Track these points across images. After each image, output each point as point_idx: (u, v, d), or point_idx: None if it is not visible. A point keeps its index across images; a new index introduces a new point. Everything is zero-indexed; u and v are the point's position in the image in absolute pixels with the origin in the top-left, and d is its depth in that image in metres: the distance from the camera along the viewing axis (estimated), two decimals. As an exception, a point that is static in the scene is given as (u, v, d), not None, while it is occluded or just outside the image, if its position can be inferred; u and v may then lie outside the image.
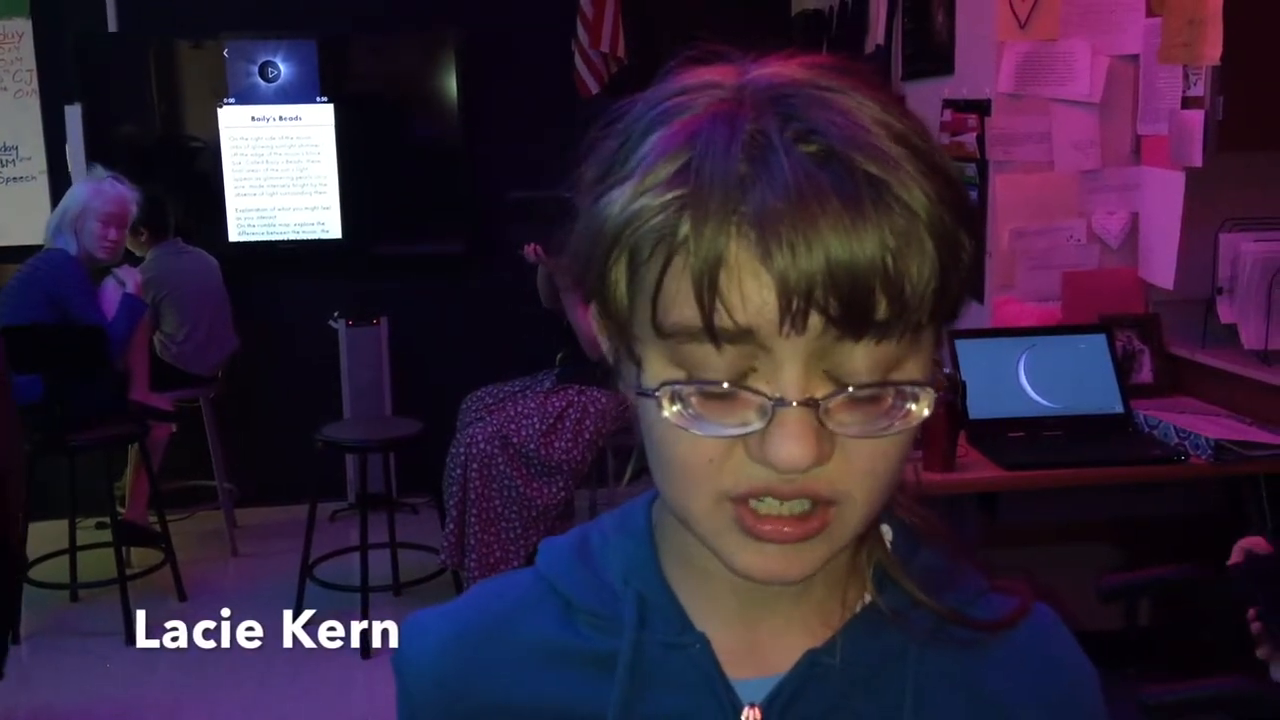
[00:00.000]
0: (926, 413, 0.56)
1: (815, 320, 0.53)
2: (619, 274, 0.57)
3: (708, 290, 0.53)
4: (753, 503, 0.57)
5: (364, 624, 3.70)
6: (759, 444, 0.55)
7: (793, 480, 0.55)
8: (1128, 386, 2.77)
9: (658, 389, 0.56)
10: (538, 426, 3.70)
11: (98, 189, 3.98)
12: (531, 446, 3.68)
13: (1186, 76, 2.77)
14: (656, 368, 0.57)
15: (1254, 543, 2.01)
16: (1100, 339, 2.76)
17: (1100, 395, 2.70)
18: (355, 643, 3.70)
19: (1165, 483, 2.54)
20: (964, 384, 2.48)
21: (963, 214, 0.55)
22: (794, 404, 0.54)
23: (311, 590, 3.92)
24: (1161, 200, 2.93)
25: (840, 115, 0.54)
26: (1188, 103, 2.77)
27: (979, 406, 2.60)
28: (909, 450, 0.59)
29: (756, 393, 0.54)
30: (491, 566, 3.64)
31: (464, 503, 3.67)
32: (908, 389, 0.56)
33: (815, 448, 0.54)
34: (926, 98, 3.52)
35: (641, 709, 0.64)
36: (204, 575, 4.35)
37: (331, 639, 3.82)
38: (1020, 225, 3.10)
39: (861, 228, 0.52)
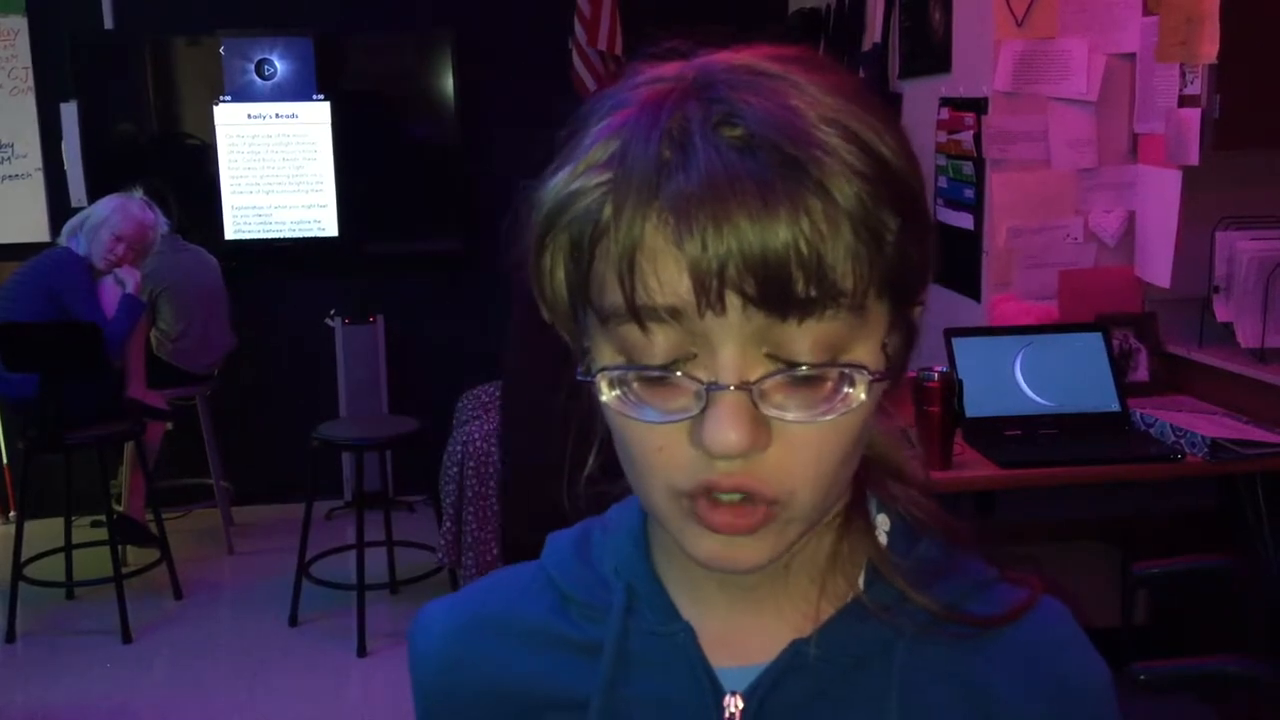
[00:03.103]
0: (864, 397, 0.56)
1: (735, 300, 0.53)
2: (556, 259, 0.59)
3: (627, 273, 0.54)
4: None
5: (360, 622, 3.71)
6: (698, 429, 0.56)
7: (731, 472, 0.56)
8: (1124, 385, 2.77)
9: (596, 374, 0.58)
10: (534, 424, 3.70)
11: (124, 206, 4.02)
12: (528, 445, 3.67)
13: (1183, 75, 2.77)
14: (602, 357, 0.58)
15: None
16: (1097, 337, 2.76)
17: (1097, 394, 2.70)
18: (352, 640, 3.72)
19: (1162, 481, 2.54)
20: (961, 382, 2.48)
21: (889, 195, 0.55)
22: (729, 388, 0.54)
23: (308, 589, 3.92)
24: (1158, 198, 2.93)
25: (766, 99, 0.55)
26: (1184, 101, 2.77)
27: (976, 405, 2.59)
28: (858, 442, 0.59)
29: (691, 378, 0.55)
30: (489, 564, 3.64)
31: (461, 501, 3.66)
32: (847, 371, 0.56)
33: (750, 432, 0.55)
34: (923, 96, 3.52)
35: (626, 692, 0.66)
36: (200, 573, 4.35)
37: (327, 637, 3.83)
38: (1017, 223, 3.10)
39: (774, 211, 0.53)
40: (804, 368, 0.55)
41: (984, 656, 0.65)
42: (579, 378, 0.60)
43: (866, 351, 0.57)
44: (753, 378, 0.55)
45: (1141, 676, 1.55)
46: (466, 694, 0.71)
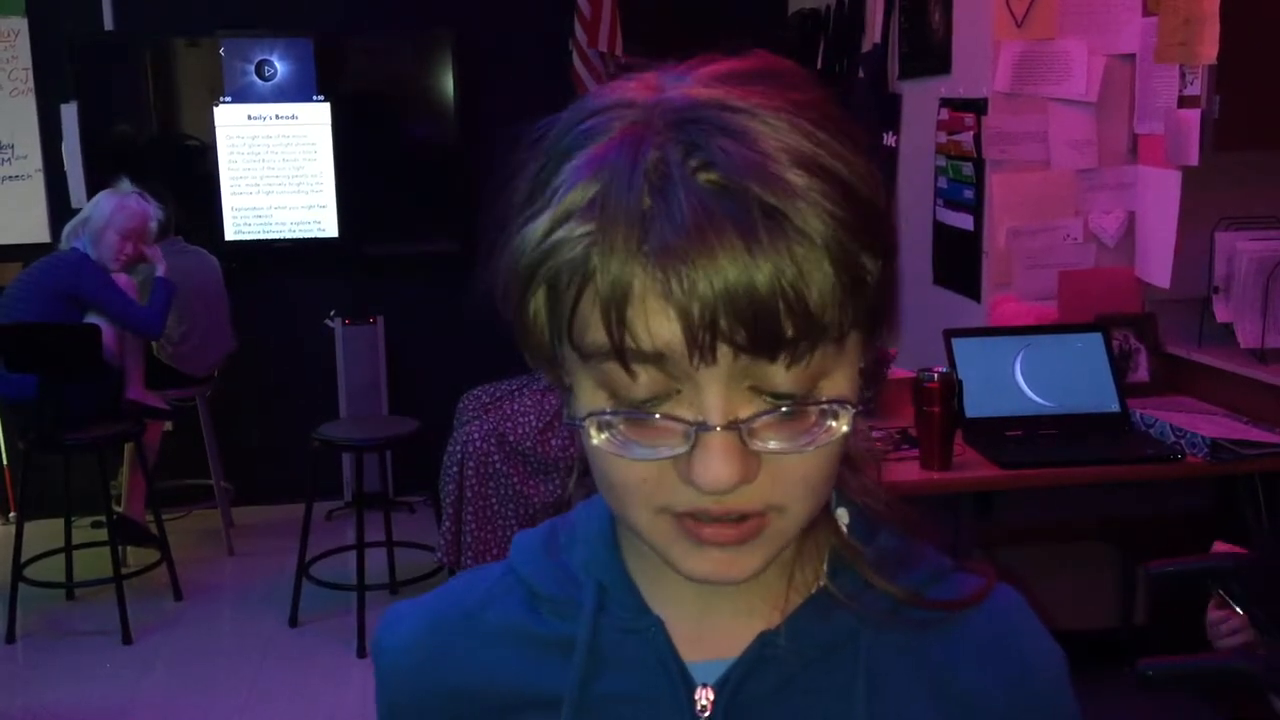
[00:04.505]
0: (846, 429, 0.58)
1: (726, 350, 0.54)
2: (538, 304, 0.59)
3: (616, 324, 0.55)
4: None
5: (360, 623, 3.71)
6: (686, 466, 0.57)
7: (721, 500, 0.57)
8: (1124, 385, 2.77)
9: (585, 418, 0.58)
10: (534, 424, 3.70)
11: (122, 204, 4.02)
12: (528, 444, 3.67)
13: (1183, 75, 2.77)
14: (585, 394, 0.59)
15: (1227, 547, 2.02)
16: (1097, 338, 2.76)
17: (1097, 394, 2.70)
18: (352, 641, 3.72)
19: (1162, 482, 2.54)
20: (961, 383, 2.48)
21: (866, 235, 0.56)
22: (717, 428, 0.55)
23: (308, 589, 3.92)
24: (1158, 199, 2.94)
25: (740, 144, 0.55)
26: (1184, 102, 2.77)
27: (975, 405, 2.59)
28: (840, 457, 0.61)
29: (678, 420, 0.56)
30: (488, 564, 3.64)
31: (460, 501, 3.66)
32: (828, 407, 0.57)
33: (740, 469, 0.56)
34: (923, 96, 3.53)
35: (598, 689, 0.67)
36: (200, 574, 4.35)
37: (328, 638, 3.82)
38: (1017, 224, 3.10)
39: (759, 258, 0.53)
40: (788, 406, 0.57)
41: (946, 642, 0.67)
42: (565, 422, 0.61)
43: (845, 378, 0.59)
44: (741, 416, 0.56)
45: (1149, 673, 1.55)
46: (435, 695, 0.71)
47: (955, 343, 2.71)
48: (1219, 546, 2.04)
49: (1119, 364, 2.80)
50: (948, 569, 0.70)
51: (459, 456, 3.67)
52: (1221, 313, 2.85)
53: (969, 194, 3.25)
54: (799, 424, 0.57)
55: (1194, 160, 2.72)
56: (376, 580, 3.95)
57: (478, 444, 3.64)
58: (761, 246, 0.53)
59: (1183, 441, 2.51)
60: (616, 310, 0.54)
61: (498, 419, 3.71)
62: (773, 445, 0.57)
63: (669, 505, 0.58)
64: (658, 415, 0.56)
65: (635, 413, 0.57)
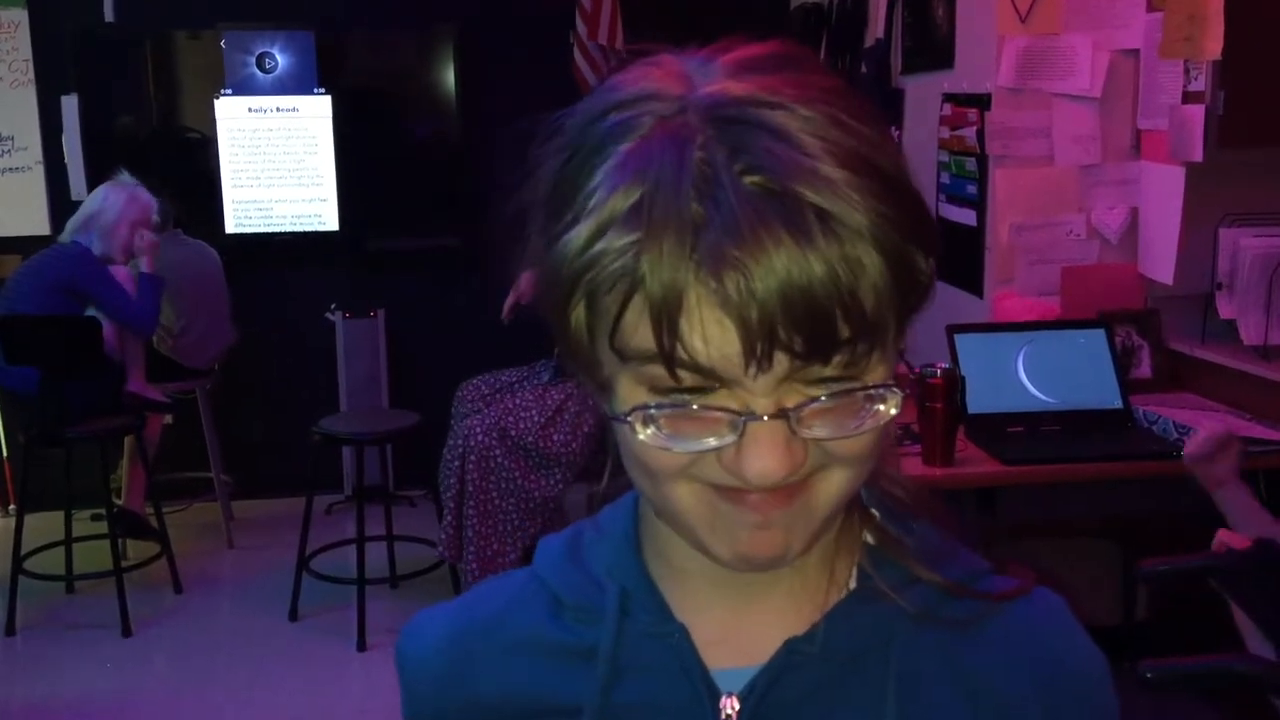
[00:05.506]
0: (894, 412, 0.57)
1: (783, 358, 0.53)
2: (579, 314, 0.57)
3: (668, 334, 0.53)
4: None
5: (360, 617, 3.71)
6: (733, 457, 0.56)
7: (765, 493, 0.57)
8: (1127, 382, 2.76)
9: (629, 414, 0.56)
10: (536, 419, 3.69)
11: (133, 196, 4.02)
12: (530, 439, 3.67)
13: (1187, 71, 2.76)
14: (626, 390, 0.57)
15: (1231, 537, 2.02)
16: (1099, 334, 2.76)
17: (1099, 390, 2.69)
18: (351, 635, 3.71)
19: (1164, 478, 2.53)
20: (963, 379, 2.47)
21: (914, 229, 0.55)
22: (764, 418, 0.54)
23: (308, 583, 3.92)
24: (1161, 195, 2.93)
25: (785, 144, 0.54)
26: (1188, 98, 2.76)
27: (978, 401, 2.59)
28: (883, 439, 0.59)
29: (725, 410, 0.55)
30: (489, 559, 3.64)
31: (461, 495, 3.66)
32: (875, 392, 0.56)
33: (788, 460, 0.55)
34: (926, 92, 3.52)
35: (620, 697, 0.65)
36: (200, 568, 4.35)
37: (327, 632, 3.82)
38: (1020, 220, 3.10)
39: (814, 260, 0.52)
40: (836, 392, 0.55)
41: (981, 647, 0.66)
42: (609, 417, 0.59)
43: (882, 361, 0.57)
44: (789, 404, 0.55)
45: (1148, 675, 1.54)
46: (458, 705, 0.70)
47: (958, 338, 2.70)
48: (1222, 535, 2.03)
49: (1122, 360, 2.80)
50: (984, 569, 0.68)
51: (460, 450, 3.66)
52: (1225, 309, 2.84)
53: (972, 189, 3.24)
54: (847, 409, 0.56)
55: (1198, 156, 2.71)
56: (376, 574, 3.95)
57: (479, 438, 3.64)
58: (816, 249, 0.52)
59: (1185, 438, 2.50)
60: (669, 320, 0.53)
61: (499, 413, 3.70)
62: (821, 433, 0.56)
63: (713, 480, 0.57)
64: (700, 406, 0.55)
65: (681, 405, 0.55)
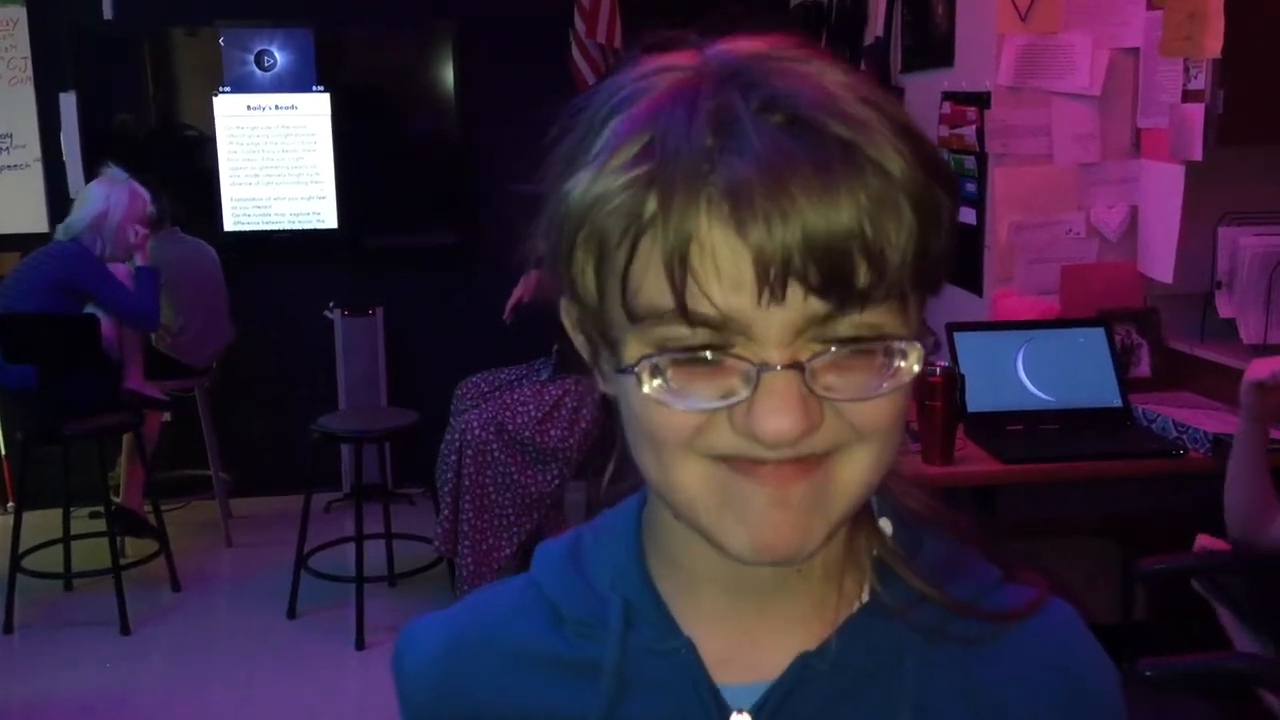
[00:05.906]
0: (916, 368, 0.55)
1: (795, 291, 0.51)
2: (585, 261, 0.55)
3: (679, 267, 0.51)
4: None
5: (358, 615, 3.71)
6: (744, 414, 0.53)
7: (781, 454, 0.54)
8: (1126, 380, 2.76)
9: (637, 364, 0.54)
10: (533, 414, 3.69)
11: (134, 195, 4.01)
12: (527, 434, 3.66)
13: (1187, 70, 2.76)
14: (634, 349, 0.55)
15: (1211, 542, 2.02)
16: (1099, 333, 2.76)
17: (1099, 389, 2.69)
18: (350, 633, 3.71)
19: (1163, 477, 2.53)
20: (963, 377, 2.47)
21: (938, 173, 0.54)
22: (779, 367, 0.52)
23: (306, 581, 3.92)
24: (1161, 194, 2.92)
25: (803, 82, 0.53)
26: (1188, 96, 2.76)
27: (977, 400, 2.59)
28: (906, 410, 0.57)
29: (740, 358, 0.52)
30: (484, 553, 3.63)
31: (458, 490, 3.65)
32: (895, 345, 0.54)
33: (804, 417, 0.52)
34: (926, 90, 3.51)
35: (625, 715, 0.63)
36: (198, 565, 4.35)
37: (326, 629, 3.82)
38: (1019, 218, 3.09)
39: (836, 192, 0.50)
40: (853, 345, 0.53)
41: (995, 663, 0.64)
42: (615, 370, 0.56)
43: (904, 330, 0.56)
44: (803, 357, 0.53)
45: (1148, 673, 1.54)
46: (457, 715, 0.68)
47: (957, 337, 2.70)
48: (1203, 540, 2.03)
49: (1121, 359, 2.80)
50: (997, 580, 0.66)
51: (457, 445, 3.66)
52: (1224, 308, 2.84)
53: (971, 188, 3.24)
54: (865, 368, 0.54)
55: (1197, 155, 2.71)
56: (375, 572, 3.96)
57: (476, 432, 3.64)
58: (839, 180, 0.51)
59: (1184, 437, 2.50)
60: (680, 254, 0.51)
61: (497, 408, 3.70)
62: (842, 392, 0.54)
63: (722, 450, 0.54)
64: (719, 354, 0.53)
65: (692, 355, 0.53)
